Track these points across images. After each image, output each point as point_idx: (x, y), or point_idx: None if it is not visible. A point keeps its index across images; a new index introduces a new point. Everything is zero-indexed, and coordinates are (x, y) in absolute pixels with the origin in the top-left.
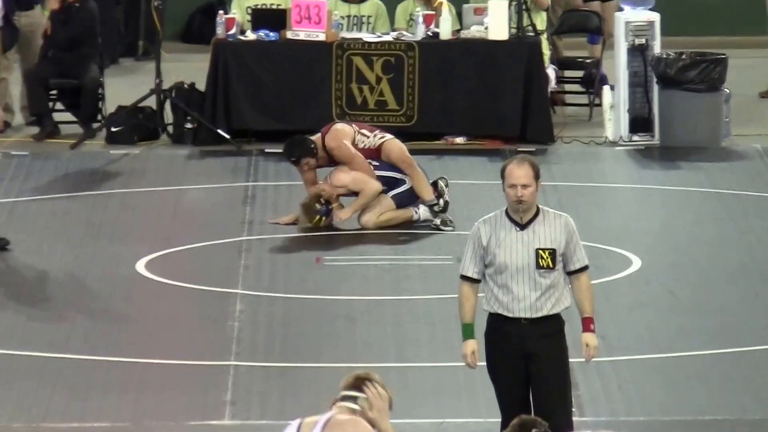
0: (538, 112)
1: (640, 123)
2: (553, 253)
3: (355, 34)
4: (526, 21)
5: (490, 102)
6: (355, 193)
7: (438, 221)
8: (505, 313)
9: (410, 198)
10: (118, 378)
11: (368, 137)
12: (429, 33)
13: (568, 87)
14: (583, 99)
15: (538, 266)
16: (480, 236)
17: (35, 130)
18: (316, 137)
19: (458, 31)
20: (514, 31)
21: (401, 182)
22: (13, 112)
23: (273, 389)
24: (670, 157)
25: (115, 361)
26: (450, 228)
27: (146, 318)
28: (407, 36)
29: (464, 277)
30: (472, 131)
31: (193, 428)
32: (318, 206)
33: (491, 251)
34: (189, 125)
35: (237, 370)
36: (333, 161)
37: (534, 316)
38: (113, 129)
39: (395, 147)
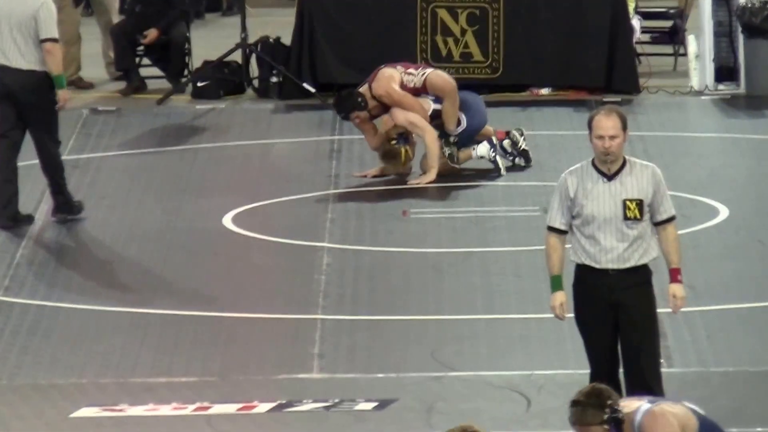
0: (623, 63)
1: (725, 72)
2: (640, 203)
3: None
4: None
5: (575, 53)
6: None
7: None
8: (593, 264)
9: (469, 137)
10: (206, 332)
11: (414, 75)
12: None
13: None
14: (668, 49)
15: (626, 217)
16: (567, 187)
17: (122, 85)
18: (363, 88)
19: None
20: None
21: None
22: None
23: (360, 342)
24: (755, 106)
25: (202, 315)
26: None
27: (233, 272)
28: None
29: (551, 228)
30: (558, 82)
31: (280, 381)
32: (394, 143)
33: (578, 202)
34: (274, 79)
35: (324, 323)
36: (386, 108)
37: (622, 267)
38: (199, 84)
39: (437, 78)
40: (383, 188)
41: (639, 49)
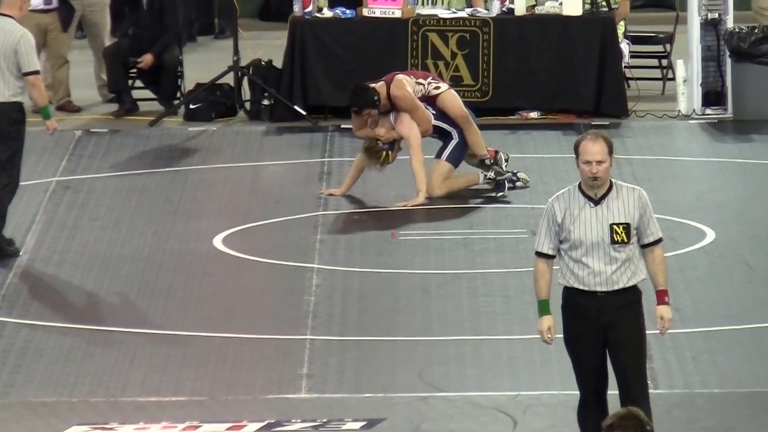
0: (612, 87)
1: (713, 96)
2: (627, 227)
3: (430, 11)
4: None
5: (565, 77)
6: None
7: (492, 173)
8: (582, 287)
9: (460, 153)
10: (196, 352)
11: (423, 85)
12: (504, 9)
13: (641, 62)
14: (656, 73)
15: (613, 241)
16: (554, 213)
17: (114, 107)
18: (379, 85)
19: (533, 6)
20: (588, 6)
21: (450, 136)
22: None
23: (349, 363)
24: (743, 131)
25: (192, 335)
26: (505, 177)
27: (223, 292)
28: (482, 12)
29: (539, 254)
30: (547, 106)
31: (269, 401)
32: (380, 143)
33: (566, 227)
34: (266, 102)
35: (313, 343)
36: (393, 109)
37: (610, 289)
38: (191, 106)
39: (451, 99)
40: (372, 210)
41: (628, 73)
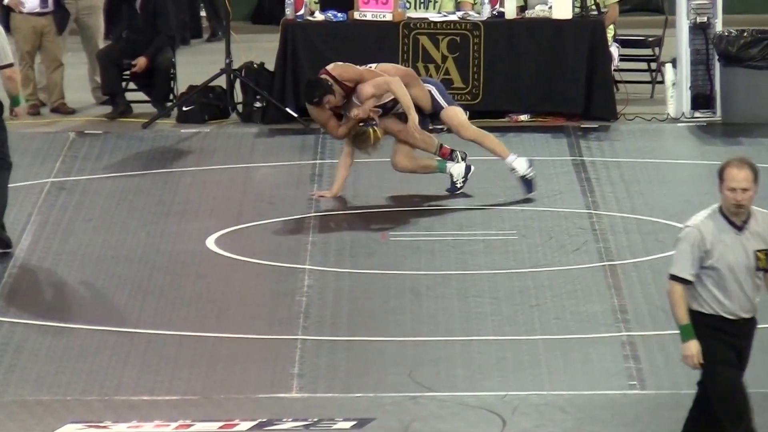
0: (601, 90)
1: (701, 100)
2: (767, 253)
3: (421, 14)
4: (589, 0)
5: (554, 80)
6: (384, 105)
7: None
8: (725, 314)
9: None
10: (188, 352)
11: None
12: (494, 12)
13: (630, 65)
14: (645, 77)
15: (757, 268)
16: (702, 239)
17: (108, 109)
18: (324, 77)
19: (523, 10)
20: (577, 10)
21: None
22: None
23: (340, 363)
24: (731, 134)
25: (185, 335)
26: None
27: (216, 293)
28: (473, 16)
29: (679, 278)
30: (536, 109)
31: (261, 401)
32: (362, 125)
33: (714, 254)
34: (258, 104)
35: (304, 343)
36: (346, 94)
37: (750, 315)
38: (184, 108)
39: (388, 66)
40: (363, 212)
41: (617, 76)
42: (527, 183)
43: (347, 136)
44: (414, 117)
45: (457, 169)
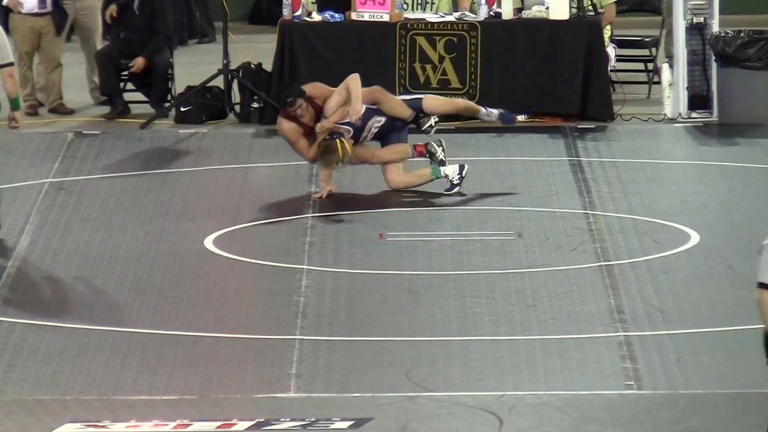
0: (598, 90)
1: (698, 100)
2: None
3: (418, 15)
4: (586, 0)
5: (551, 80)
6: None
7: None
8: None
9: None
10: (186, 352)
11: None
12: (491, 13)
13: (627, 65)
14: (642, 77)
15: None
16: None
17: (106, 109)
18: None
19: (520, 10)
20: (574, 10)
21: (377, 112)
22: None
23: (337, 363)
24: (728, 134)
25: (183, 335)
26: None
27: (214, 293)
28: (470, 16)
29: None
30: (533, 109)
31: (259, 400)
32: (328, 138)
33: None
34: (256, 105)
35: (302, 344)
36: (316, 113)
37: None
38: (182, 109)
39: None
40: (361, 212)
41: (614, 77)
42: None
43: (317, 155)
44: (358, 107)
45: (450, 169)
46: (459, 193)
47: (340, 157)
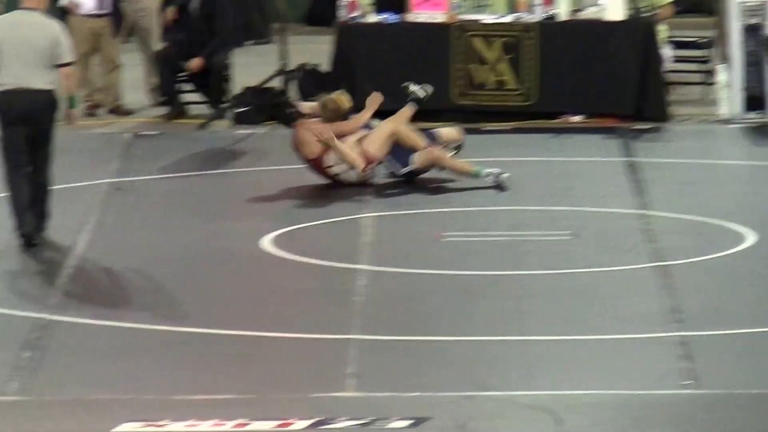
0: (653, 91)
1: (754, 101)
2: None
3: (474, 16)
4: (642, 1)
5: (607, 81)
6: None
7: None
8: None
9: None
10: (245, 351)
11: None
12: (547, 14)
13: (682, 66)
14: (698, 78)
15: None
16: None
17: (164, 110)
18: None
19: (576, 11)
20: (630, 11)
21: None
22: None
23: (394, 362)
24: None
25: (241, 334)
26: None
27: (271, 293)
28: (526, 17)
29: None
30: (589, 110)
31: (317, 399)
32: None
33: None
34: None
35: (360, 343)
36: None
37: None
38: (239, 110)
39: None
40: (418, 212)
41: (669, 78)
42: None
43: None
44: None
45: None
46: (516, 195)
47: (345, 106)
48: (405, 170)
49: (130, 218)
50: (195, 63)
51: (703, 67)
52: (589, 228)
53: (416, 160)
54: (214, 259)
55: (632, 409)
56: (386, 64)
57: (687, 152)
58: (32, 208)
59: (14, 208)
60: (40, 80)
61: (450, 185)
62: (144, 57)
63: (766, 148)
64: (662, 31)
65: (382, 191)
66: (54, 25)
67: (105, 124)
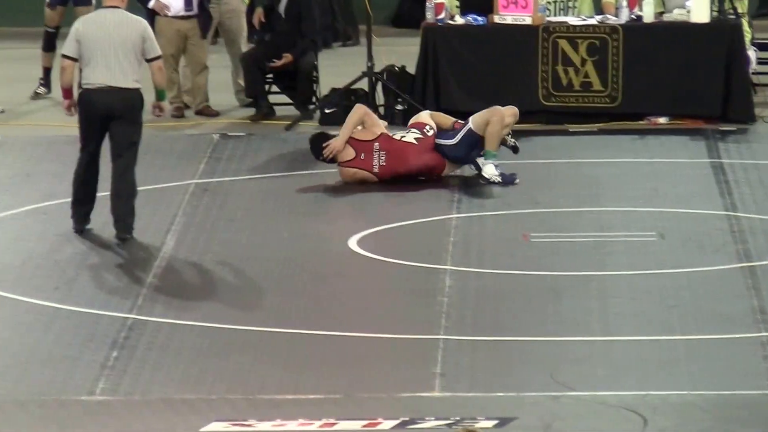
0: (739, 92)
1: None
2: None
3: (560, 18)
4: (727, 4)
5: (692, 83)
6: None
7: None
8: None
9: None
10: (332, 351)
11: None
12: (633, 16)
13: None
14: None
15: None
16: None
17: (251, 111)
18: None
19: (661, 14)
20: (715, 13)
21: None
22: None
23: (481, 362)
24: None
25: (328, 334)
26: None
27: (358, 293)
28: (611, 19)
29: None
30: (675, 111)
31: (403, 399)
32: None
33: None
34: (400, 107)
35: (446, 343)
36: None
37: None
38: (326, 110)
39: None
40: (504, 212)
41: (755, 79)
42: None
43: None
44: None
45: (488, 170)
46: (602, 196)
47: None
48: (463, 132)
49: (216, 219)
50: (285, 58)
51: None
52: (675, 229)
53: (475, 120)
54: (302, 260)
55: (717, 409)
56: (473, 65)
57: None
58: (116, 206)
59: (74, 202)
60: (124, 79)
61: (537, 186)
62: (231, 58)
63: None
64: (747, 33)
65: (468, 192)
66: (139, 22)
67: (192, 125)
